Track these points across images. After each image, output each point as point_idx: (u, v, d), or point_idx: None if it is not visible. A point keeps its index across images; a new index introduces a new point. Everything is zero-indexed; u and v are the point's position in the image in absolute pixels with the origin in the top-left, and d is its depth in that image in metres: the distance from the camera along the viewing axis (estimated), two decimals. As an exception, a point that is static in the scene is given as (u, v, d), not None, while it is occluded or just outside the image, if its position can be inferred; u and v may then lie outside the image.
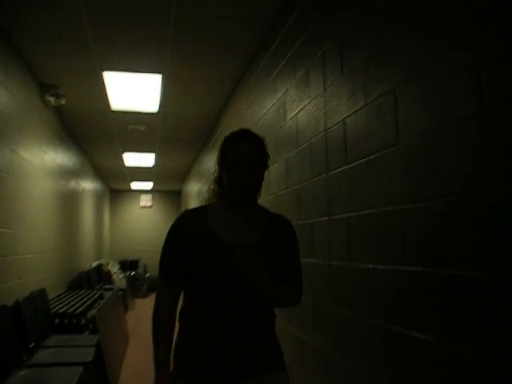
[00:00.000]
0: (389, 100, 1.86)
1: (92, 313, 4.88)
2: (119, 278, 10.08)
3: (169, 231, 1.63)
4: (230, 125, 5.33)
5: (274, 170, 3.37)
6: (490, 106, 1.33)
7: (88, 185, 9.17)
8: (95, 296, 5.89)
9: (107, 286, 8.08)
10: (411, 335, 1.68)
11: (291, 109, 3.09)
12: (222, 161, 1.61)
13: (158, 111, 5.92)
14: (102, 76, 4.69)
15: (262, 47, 3.94)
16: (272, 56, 3.59)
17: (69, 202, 6.97)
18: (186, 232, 1.57)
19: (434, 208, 1.58)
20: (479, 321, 1.36)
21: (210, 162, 6.98)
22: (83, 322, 4.68)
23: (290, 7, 3.13)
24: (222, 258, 1.51)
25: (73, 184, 7.35)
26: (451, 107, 1.49)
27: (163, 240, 1.62)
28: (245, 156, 1.55)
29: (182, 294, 1.62)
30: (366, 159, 2.04)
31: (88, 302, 5.24)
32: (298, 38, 2.94)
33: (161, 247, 1.60)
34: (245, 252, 1.49)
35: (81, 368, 3.16)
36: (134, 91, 5.20)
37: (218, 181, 1.67)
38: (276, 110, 3.44)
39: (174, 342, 1.59)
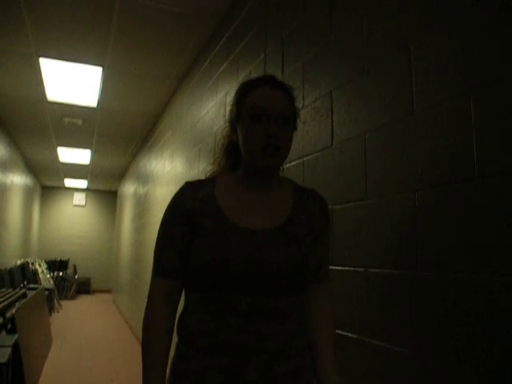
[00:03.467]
0: (325, 103, 1.90)
1: (12, 311, 4.61)
2: (46, 277, 9.61)
3: (166, 209, 1.24)
4: (171, 124, 5.25)
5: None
6: (419, 111, 1.38)
7: (17, 179, 8.70)
8: (17, 295, 5.57)
9: (32, 286, 7.68)
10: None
11: (232, 109, 3.08)
12: (238, 112, 1.20)
13: (97, 106, 5.74)
14: (38, 63, 4.48)
15: (207, 46, 3.92)
16: (216, 56, 3.58)
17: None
18: (186, 210, 1.18)
19: (361, 209, 1.62)
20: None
21: (148, 163, 6.85)
22: (1, 320, 4.41)
23: (238, 8, 3.14)
24: (236, 243, 1.12)
25: None
26: (383, 110, 1.55)
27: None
28: (272, 102, 1.15)
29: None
30: (300, 160, 2.07)
31: (8, 301, 4.94)
32: (243, 40, 2.95)
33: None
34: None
35: (-6, 368, 2.97)
36: (72, 82, 5.01)
37: (229, 148, 1.29)
38: (216, 111, 3.42)
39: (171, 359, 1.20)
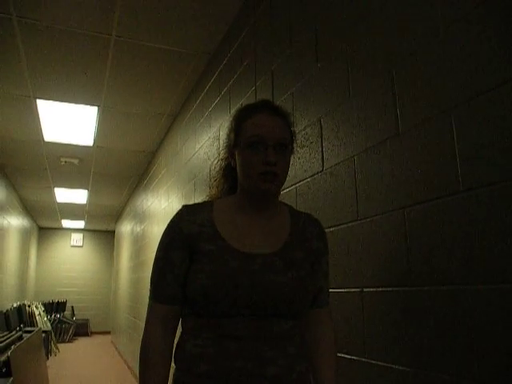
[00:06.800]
0: (315, 129, 1.94)
1: (7, 354, 4.51)
2: (43, 320, 9.45)
3: (163, 234, 1.22)
4: (166, 162, 5.31)
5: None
6: (404, 132, 1.42)
7: (14, 221, 8.69)
8: (13, 337, 5.47)
9: (28, 328, 7.54)
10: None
11: (225, 142, 3.13)
12: (236, 139, 1.20)
13: (93, 145, 5.81)
14: (35, 104, 4.56)
15: (199, 83, 4.01)
16: (208, 92, 3.66)
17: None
18: (184, 234, 1.17)
19: (353, 230, 1.64)
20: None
21: (144, 200, 6.87)
22: (-4, 364, 4.31)
23: (228, 44, 3.24)
24: (236, 269, 1.10)
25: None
26: (370, 133, 1.58)
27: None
28: (270, 130, 1.15)
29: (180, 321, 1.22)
30: (293, 187, 2.10)
31: (3, 344, 4.85)
32: (234, 74, 3.03)
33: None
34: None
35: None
36: (68, 122, 5.09)
37: (226, 171, 1.30)
38: (210, 144, 3.47)
39: None
